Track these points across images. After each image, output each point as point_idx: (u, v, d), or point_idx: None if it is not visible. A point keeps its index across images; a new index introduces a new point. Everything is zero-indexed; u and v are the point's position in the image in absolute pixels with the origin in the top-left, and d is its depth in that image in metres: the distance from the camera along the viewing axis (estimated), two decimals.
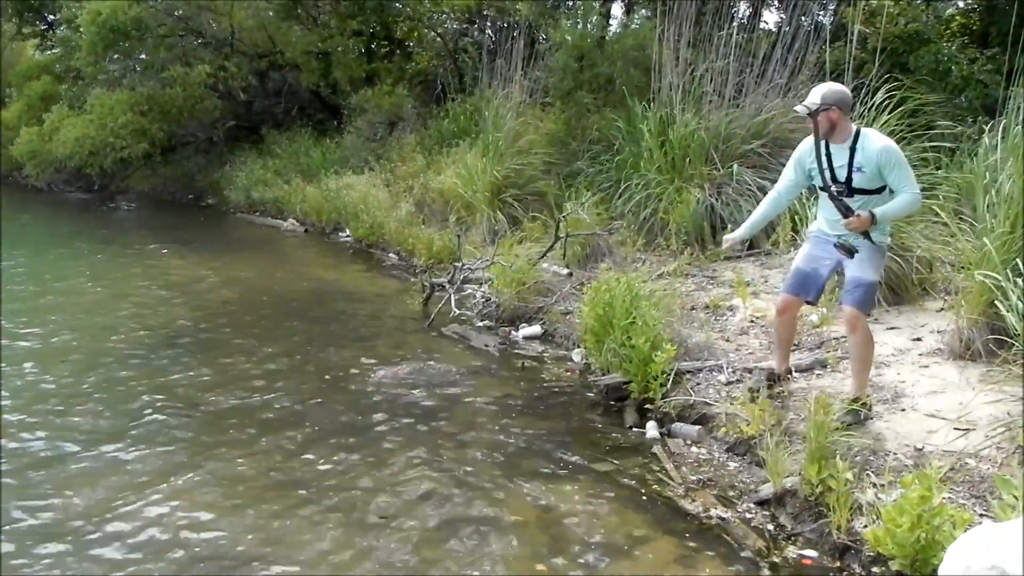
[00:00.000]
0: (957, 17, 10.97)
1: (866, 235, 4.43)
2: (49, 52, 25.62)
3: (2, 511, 4.17)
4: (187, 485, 4.53)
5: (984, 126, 5.96)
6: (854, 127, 4.47)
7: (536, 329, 7.62)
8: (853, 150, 4.41)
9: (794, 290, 4.83)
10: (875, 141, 4.39)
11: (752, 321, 6.50)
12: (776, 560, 3.83)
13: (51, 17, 24.59)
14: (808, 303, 4.97)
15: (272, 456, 4.92)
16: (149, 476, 4.61)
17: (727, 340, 6.26)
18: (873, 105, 6.55)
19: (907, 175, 4.37)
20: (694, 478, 4.64)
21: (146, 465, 4.76)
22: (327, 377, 6.45)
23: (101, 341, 7.24)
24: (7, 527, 4.04)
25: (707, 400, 5.37)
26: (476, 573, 3.73)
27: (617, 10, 15.43)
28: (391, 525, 4.14)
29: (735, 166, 8.24)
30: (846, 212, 4.41)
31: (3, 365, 6.43)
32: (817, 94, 4.41)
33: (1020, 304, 4.48)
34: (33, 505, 4.27)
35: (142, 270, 10.97)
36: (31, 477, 4.59)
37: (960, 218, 5.90)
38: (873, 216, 4.37)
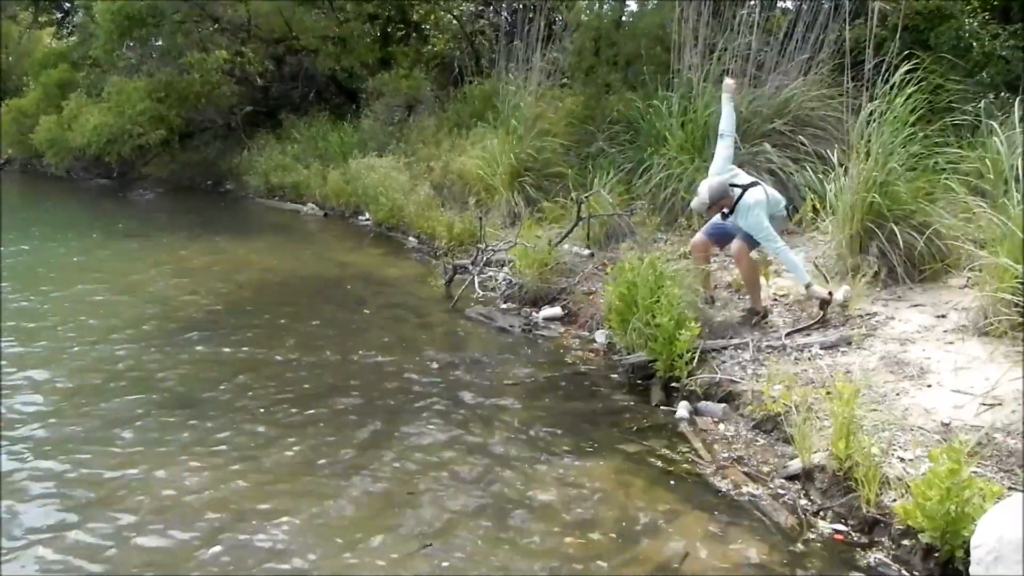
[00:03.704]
0: None
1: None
2: (66, 40, 25.74)
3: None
4: (220, 464, 4.61)
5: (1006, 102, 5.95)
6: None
7: (556, 310, 7.67)
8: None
9: None
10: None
11: (775, 300, 6.53)
12: (807, 535, 3.90)
13: (67, 5, 24.69)
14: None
15: (300, 436, 5.00)
16: (183, 460, 4.68)
17: None
18: (894, 84, 6.54)
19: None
20: (723, 455, 4.71)
21: (179, 449, 4.82)
22: (353, 358, 6.53)
23: (127, 326, 7.30)
24: (24, 513, 4.12)
25: (733, 378, 5.43)
26: (507, 549, 3.82)
27: None
28: (420, 501, 4.23)
29: (766, 144, 8.21)
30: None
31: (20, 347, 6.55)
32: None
33: None
34: (70, 487, 4.38)
35: (164, 255, 11.04)
36: (61, 458, 4.67)
37: (981, 195, 5.91)
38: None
